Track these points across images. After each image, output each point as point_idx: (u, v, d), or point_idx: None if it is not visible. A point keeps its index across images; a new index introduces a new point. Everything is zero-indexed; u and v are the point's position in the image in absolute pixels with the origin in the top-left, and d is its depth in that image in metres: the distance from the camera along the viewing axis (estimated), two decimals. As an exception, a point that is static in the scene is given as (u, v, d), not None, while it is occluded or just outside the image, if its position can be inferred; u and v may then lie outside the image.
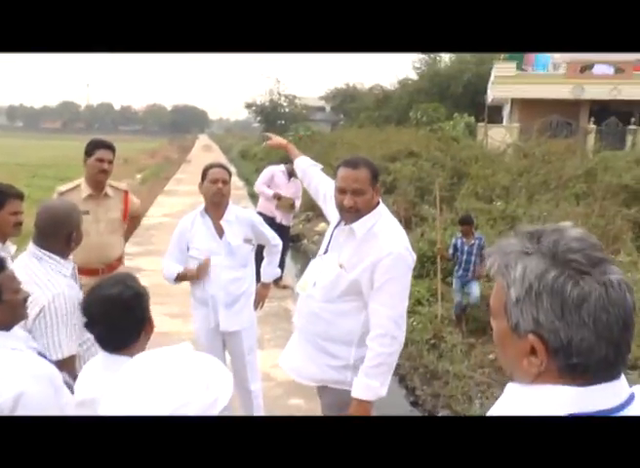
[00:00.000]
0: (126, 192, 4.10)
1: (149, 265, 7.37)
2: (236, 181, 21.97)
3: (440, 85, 28.13)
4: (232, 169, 31.11)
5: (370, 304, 2.54)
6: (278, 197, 6.94)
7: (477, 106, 24.25)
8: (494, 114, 25.62)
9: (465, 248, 5.53)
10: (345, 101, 37.37)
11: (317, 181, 3.17)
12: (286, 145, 3.46)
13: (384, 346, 2.48)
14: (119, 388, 1.18)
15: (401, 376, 5.20)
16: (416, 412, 4.69)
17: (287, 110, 35.63)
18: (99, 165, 3.77)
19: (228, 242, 3.44)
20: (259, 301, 3.82)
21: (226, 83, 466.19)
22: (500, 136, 15.37)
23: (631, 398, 0.92)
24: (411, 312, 5.94)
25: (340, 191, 2.57)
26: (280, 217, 7.08)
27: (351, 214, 2.57)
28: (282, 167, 7.09)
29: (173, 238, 3.57)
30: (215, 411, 1.16)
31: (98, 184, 3.84)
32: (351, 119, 33.31)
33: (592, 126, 19.10)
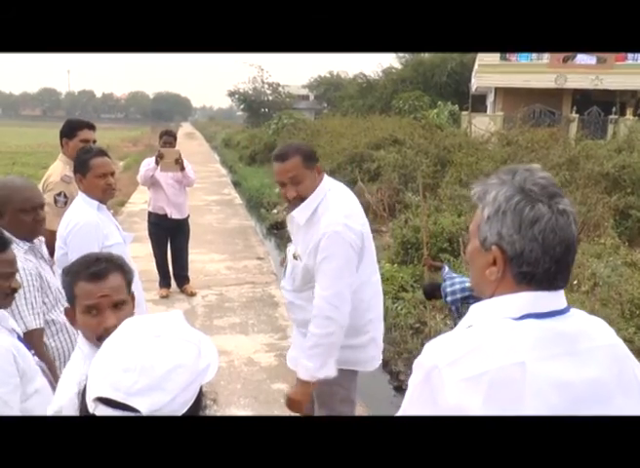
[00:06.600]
0: None
1: (132, 251, 7.28)
2: (220, 169, 21.85)
3: (424, 74, 28.07)
4: (216, 157, 30.67)
5: None
6: (160, 155, 5.84)
7: (461, 95, 24.26)
8: (477, 103, 25.67)
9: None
10: (329, 90, 37.21)
11: None
12: None
13: (318, 327, 2.46)
14: (113, 344, 1.12)
15: (385, 361, 5.20)
16: (399, 398, 4.71)
17: (270, 98, 35.44)
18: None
19: (125, 234, 3.25)
20: None
21: (210, 70, 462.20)
22: (483, 124, 15.39)
23: (569, 307, 1.15)
24: (395, 298, 5.96)
25: (280, 185, 2.58)
26: (170, 212, 6.11)
27: (297, 202, 2.55)
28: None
29: (88, 239, 2.86)
30: (205, 379, 1.12)
31: None
32: (335, 108, 33.16)
33: (575, 115, 19.20)
